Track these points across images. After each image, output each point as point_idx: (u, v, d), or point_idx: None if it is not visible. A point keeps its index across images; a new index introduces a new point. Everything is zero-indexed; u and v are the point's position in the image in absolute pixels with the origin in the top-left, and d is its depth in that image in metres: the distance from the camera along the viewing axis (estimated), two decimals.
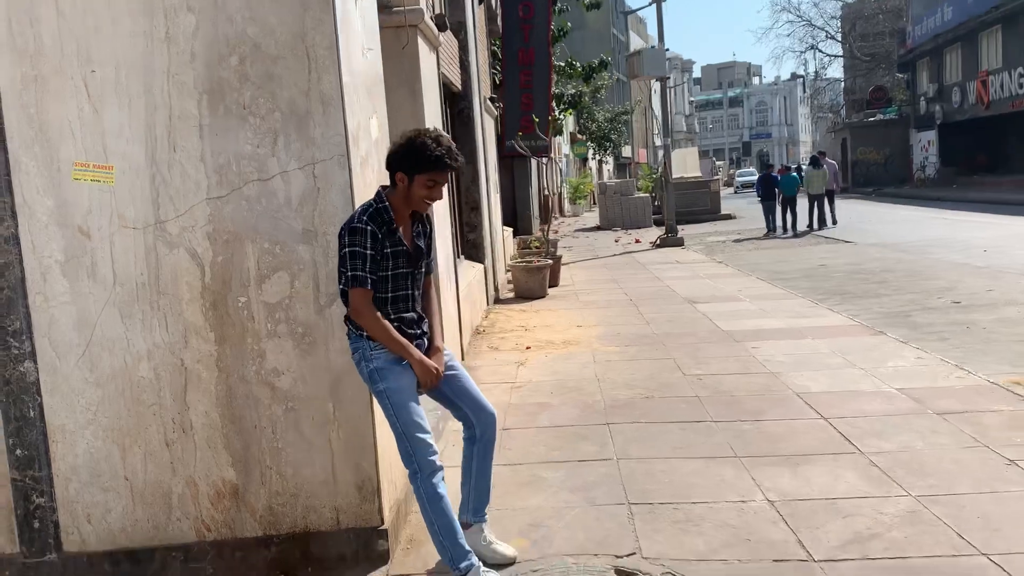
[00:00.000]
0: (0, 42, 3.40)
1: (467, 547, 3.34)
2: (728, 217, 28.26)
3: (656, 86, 36.05)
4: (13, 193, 3.48)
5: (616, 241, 21.81)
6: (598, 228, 28.04)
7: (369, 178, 3.83)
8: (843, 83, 57.95)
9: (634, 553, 3.61)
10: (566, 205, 42.31)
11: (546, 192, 34.18)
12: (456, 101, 10.57)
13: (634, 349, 7.70)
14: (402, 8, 5.77)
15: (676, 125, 69.50)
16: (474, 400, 3.58)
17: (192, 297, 3.55)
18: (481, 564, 3.37)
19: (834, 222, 21.62)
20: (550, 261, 12.24)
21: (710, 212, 28.42)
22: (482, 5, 12.31)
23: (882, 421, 5.15)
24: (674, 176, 23.95)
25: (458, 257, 10.05)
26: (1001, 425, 4.96)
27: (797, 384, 6.11)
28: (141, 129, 3.47)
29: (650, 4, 23.25)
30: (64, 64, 3.43)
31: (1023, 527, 3.65)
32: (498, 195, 13.42)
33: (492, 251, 11.48)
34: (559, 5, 22.81)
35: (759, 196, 21.50)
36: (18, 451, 3.58)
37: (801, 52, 67.05)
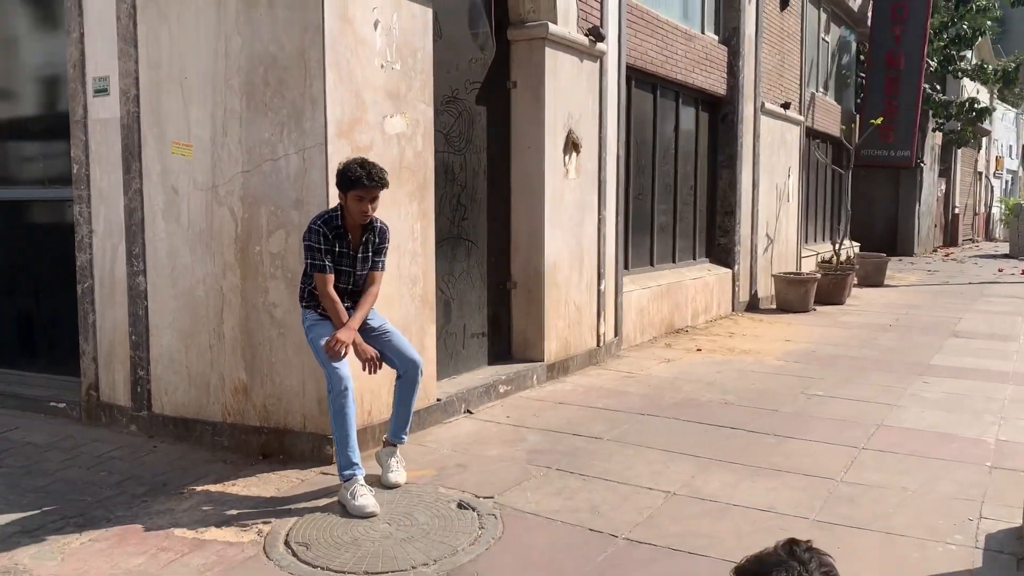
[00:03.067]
0: (140, 57, 5.04)
1: (355, 460, 4.17)
2: None
3: None
4: (142, 160, 5.11)
5: (999, 271, 19.26)
6: (1006, 256, 24.68)
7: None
8: None
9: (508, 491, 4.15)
10: (997, 228, 37.43)
11: (956, 210, 30.84)
12: (720, 106, 10.79)
13: (797, 366, 7.52)
14: (533, 23, 6.52)
15: None
16: (398, 351, 4.42)
17: (229, 243, 4.88)
18: (361, 478, 4.16)
19: None
20: (818, 276, 11.76)
21: None
22: (783, 11, 12.14)
23: None
24: None
25: (695, 258, 10.39)
26: None
27: (873, 419, 5.71)
28: (208, 119, 4.87)
29: None
30: (172, 73, 4.96)
31: None
32: (795, 205, 13.10)
33: (752, 258, 11.43)
34: (980, 2, 20.65)
35: None
36: (133, 337, 5.25)
37: None
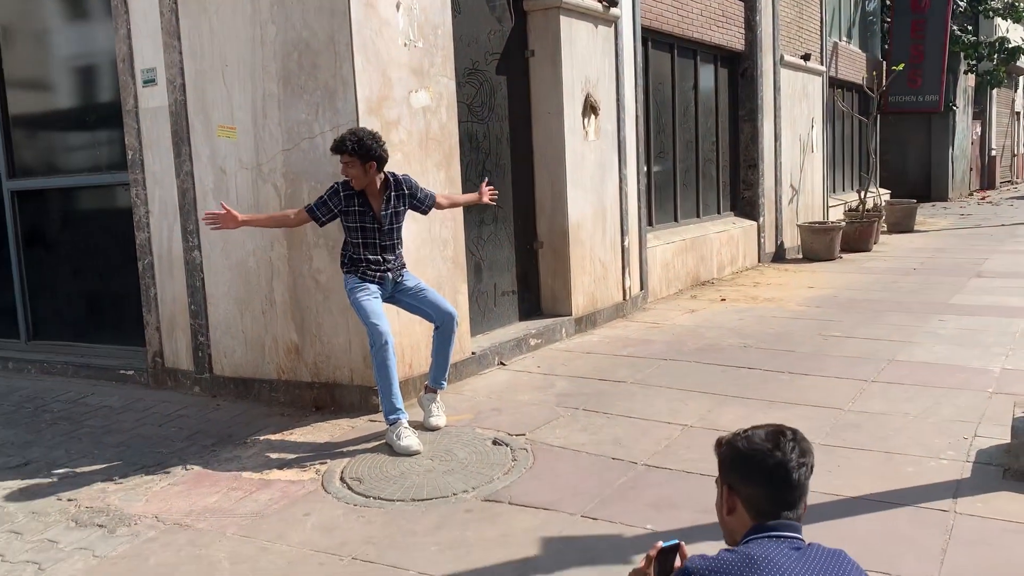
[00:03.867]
0: (184, 49, 5.45)
1: (399, 405, 4.62)
2: None
3: None
4: (191, 144, 5.55)
5: None
6: None
7: (401, 136, 5.21)
8: None
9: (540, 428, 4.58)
10: None
11: (993, 152, 30.42)
12: (739, 61, 10.98)
13: (817, 311, 7.82)
14: None
15: None
16: (434, 305, 4.84)
17: None
18: (405, 421, 4.62)
19: None
20: (842, 224, 11.96)
21: None
22: None
23: None
24: None
25: (719, 212, 10.67)
26: None
27: (885, 355, 6.02)
28: (249, 103, 5.28)
29: None
30: (214, 62, 5.37)
31: None
32: (820, 155, 13.25)
33: (777, 209, 11.66)
34: None
35: None
36: (192, 307, 5.73)
37: None
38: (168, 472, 4.38)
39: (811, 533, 1.97)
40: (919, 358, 5.91)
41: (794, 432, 1.92)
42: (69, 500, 4.07)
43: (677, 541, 2.00)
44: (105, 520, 3.82)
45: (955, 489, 3.68)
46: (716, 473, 1.98)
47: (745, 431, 1.95)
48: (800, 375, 5.58)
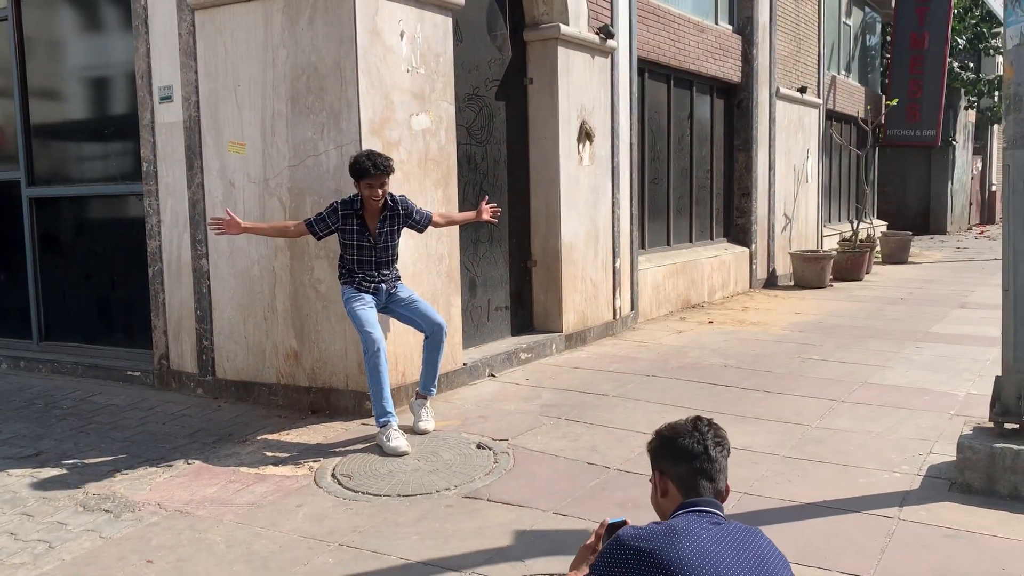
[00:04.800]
0: (199, 68, 5.79)
1: (389, 409, 4.90)
2: None
3: None
4: (203, 158, 5.88)
5: None
6: None
7: (401, 155, 5.52)
8: None
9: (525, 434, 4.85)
10: None
11: (993, 187, 30.75)
12: (735, 92, 11.32)
13: (799, 335, 8.10)
14: (547, 24, 7.17)
15: None
16: (424, 315, 5.14)
17: None
18: (395, 424, 4.90)
19: None
20: (833, 253, 12.25)
21: None
22: None
23: None
24: None
25: (712, 238, 10.96)
26: None
27: (859, 378, 6.29)
28: (258, 121, 5.61)
29: None
30: (227, 82, 5.71)
31: None
32: (815, 185, 13.57)
33: (770, 237, 11.96)
34: None
35: None
36: (198, 312, 6.03)
37: None
38: (171, 465, 4.66)
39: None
40: (890, 381, 6.18)
41: (710, 420, 2.25)
42: (77, 488, 4.35)
43: (623, 518, 2.27)
44: (111, 506, 4.10)
45: (902, 499, 3.94)
46: None
47: (668, 423, 2.27)
48: (774, 393, 5.85)
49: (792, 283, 12.18)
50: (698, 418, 2.29)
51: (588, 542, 2.35)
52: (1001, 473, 3.92)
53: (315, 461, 4.65)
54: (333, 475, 4.42)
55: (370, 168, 4.77)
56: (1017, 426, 4.06)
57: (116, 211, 6.83)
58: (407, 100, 5.61)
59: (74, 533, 3.81)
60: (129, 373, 6.44)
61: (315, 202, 5.45)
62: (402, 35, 5.55)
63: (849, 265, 12.50)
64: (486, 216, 5.52)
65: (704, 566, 1.92)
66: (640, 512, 3.82)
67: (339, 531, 3.74)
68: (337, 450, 4.84)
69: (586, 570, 2.20)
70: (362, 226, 4.94)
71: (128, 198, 6.59)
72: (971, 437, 4.08)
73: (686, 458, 2.16)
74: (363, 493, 4.16)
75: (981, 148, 28.90)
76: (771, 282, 12.06)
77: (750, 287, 11.54)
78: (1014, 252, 4.07)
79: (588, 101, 7.67)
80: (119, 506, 4.09)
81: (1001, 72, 22.79)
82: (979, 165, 29.13)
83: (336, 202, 4.94)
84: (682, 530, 2.00)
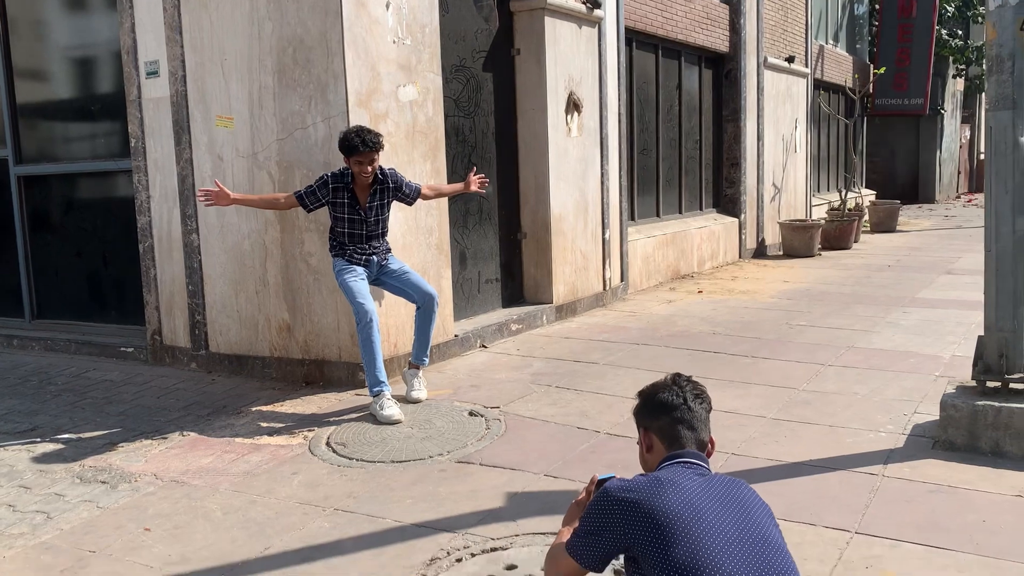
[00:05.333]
0: (185, 43, 5.78)
1: (382, 378, 4.94)
2: None
3: None
4: (191, 132, 5.88)
5: None
6: None
7: (389, 127, 5.53)
8: None
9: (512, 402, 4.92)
10: None
11: (982, 156, 30.81)
12: (723, 62, 11.32)
13: (787, 302, 8.17)
14: None
15: None
16: (416, 286, 5.17)
17: None
18: (388, 393, 4.95)
19: None
20: (822, 222, 12.32)
21: None
22: None
23: None
24: None
25: (701, 208, 11.00)
26: None
27: (845, 342, 6.36)
28: (246, 95, 5.61)
29: None
30: (213, 55, 5.70)
31: None
32: (803, 155, 13.60)
33: (759, 207, 12.01)
34: None
35: None
36: (190, 287, 6.06)
37: None
38: (166, 437, 4.70)
39: None
40: (877, 345, 6.26)
41: (689, 377, 2.31)
42: (73, 460, 4.40)
43: (612, 474, 2.33)
44: (107, 477, 4.15)
45: (887, 457, 4.02)
46: None
47: (649, 383, 2.33)
48: (762, 359, 5.92)
49: (781, 252, 12.26)
50: (677, 374, 2.35)
51: (579, 498, 2.41)
52: (983, 430, 4.00)
53: (309, 431, 4.70)
54: (328, 443, 4.47)
55: (359, 145, 4.78)
56: (999, 384, 4.13)
57: (105, 188, 6.82)
58: (393, 71, 5.62)
59: (71, 504, 3.86)
60: (122, 349, 6.47)
61: (304, 175, 5.46)
62: (387, 6, 5.54)
63: (837, 234, 12.57)
64: (474, 187, 5.54)
65: (689, 514, 1.98)
66: (629, 473, 3.87)
67: (334, 496, 3.80)
68: (331, 420, 4.89)
69: (577, 524, 2.26)
70: (353, 200, 4.96)
71: (117, 174, 6.58)
72: (954, 396, 4.16)
73: (666, 410, 2.22)
74: (357, 460, 4.22)
75: (969, 117, 28.93)
76: (760, 252, 12.13)
77: (739, 257, 11.60)
78: (996, 213, 4.12)
79: (576, 72, 7.67)
80: (115, 477, 4.14)
81: None
82: (967, 134, 29.19)
83: (326, 175, 4.96)
84: (667, 480, 2.06)
